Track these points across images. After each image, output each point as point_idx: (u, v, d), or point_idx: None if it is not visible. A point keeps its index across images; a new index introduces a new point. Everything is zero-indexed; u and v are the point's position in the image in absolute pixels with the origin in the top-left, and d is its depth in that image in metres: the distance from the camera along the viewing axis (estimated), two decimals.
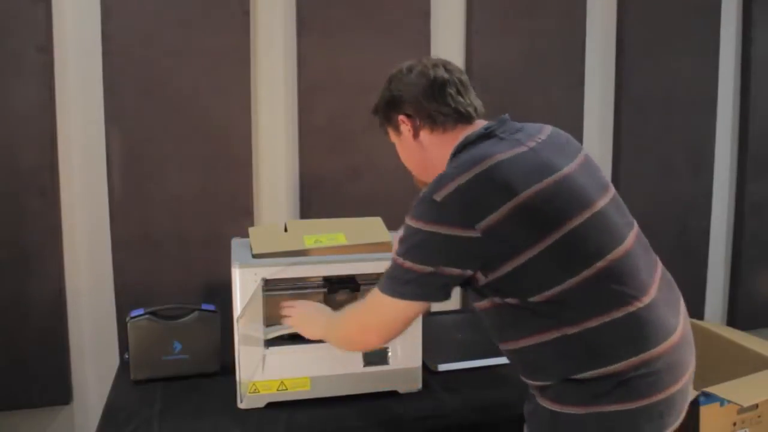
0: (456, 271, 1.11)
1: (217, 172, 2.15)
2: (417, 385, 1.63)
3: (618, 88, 2.59)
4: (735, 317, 2.82)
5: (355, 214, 1.77)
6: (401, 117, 1.29)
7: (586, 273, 1.10)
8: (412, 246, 1.12)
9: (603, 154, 2.62)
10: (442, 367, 1.75)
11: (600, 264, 1.10)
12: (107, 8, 2.01)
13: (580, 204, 1.13)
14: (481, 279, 1.12)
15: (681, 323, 1.19)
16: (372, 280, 1.59)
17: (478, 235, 1.07)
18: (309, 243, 1.58)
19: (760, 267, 2.83)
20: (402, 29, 2.26)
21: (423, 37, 2.29)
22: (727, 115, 2.77)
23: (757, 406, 1.85)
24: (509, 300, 1.13)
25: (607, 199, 1.19)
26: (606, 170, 2.63)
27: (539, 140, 1.21)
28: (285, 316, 1.50)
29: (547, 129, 1.28)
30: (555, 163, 1.15)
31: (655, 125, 2.62)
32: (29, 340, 2.04)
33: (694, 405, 1.78)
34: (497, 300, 1.15)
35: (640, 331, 1.11)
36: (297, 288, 1.58)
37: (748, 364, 2.04)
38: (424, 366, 1.65)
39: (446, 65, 1.30)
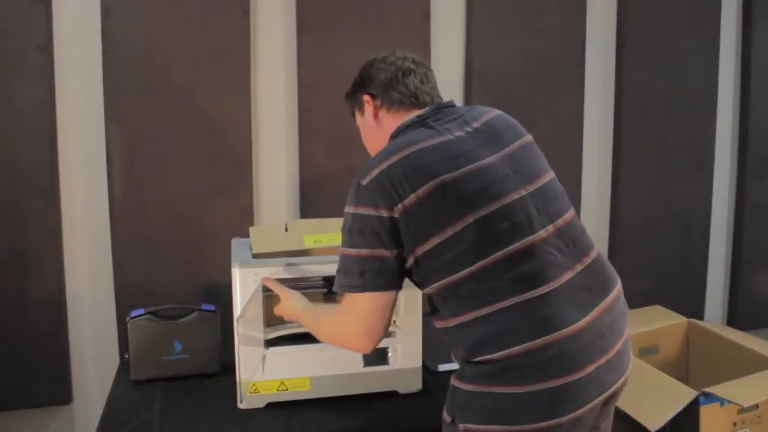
0: (386, 253, 1.19)
1: (217, 172, 2.15)
2: (417, 385, 1.63)
3: (618, 88, 2.59)
4: (735, 317, 2.82)
5: None
6: (366, 97, 1.40)
7: (482, 263, 1.17)
8: (348, 231, 1.21)
9: (603, 154, 2.63)
10: (442, 367, 1.75)
11: (498, 255, 1.18)
12: (107, 8, 2.01)
13: (491, 195, 1.19)
14: (406, 263, 1.21)
15: (588, 319, 1.20)
16: None
17: (397, 216, 1.17)
18: (309, 243, 1.58)
19: (760, 267, 2.83)
20: (402, 29, 2.26)
21: (423, 37, 2.29)
22: (727, 115, 2.77)
23: (757, 406, 1.85)
24: (426, 290, 1.24)
25: (530, 189, 1.24)
26: (606, 170, 2.63)
27: (470, 129, 1.27)
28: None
29: (488, 115, 1.33)
30: (475, 154, 1.22)
31: (655, 125, 2.62)
32: (29, 340, 2.04)
33: (694, 405, 1.78)
34: (422, 288, 1.26)
35: (527, 321, 1.17)
36: (297, 288, 1.57)
37: (748, 364, 2.04)
38: (424, 366, 1.65)
39: (415, 59, 1.41)
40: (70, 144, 2.07)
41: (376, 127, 1.39)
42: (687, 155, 2.69)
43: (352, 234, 1.21)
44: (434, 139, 1.24)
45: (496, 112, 1.36)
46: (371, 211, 1.18)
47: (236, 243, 1.68)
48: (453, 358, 1.28)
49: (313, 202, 2.25)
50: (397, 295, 1.25)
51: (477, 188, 1.19)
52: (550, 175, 1.32)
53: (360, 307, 1.24)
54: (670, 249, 2.71)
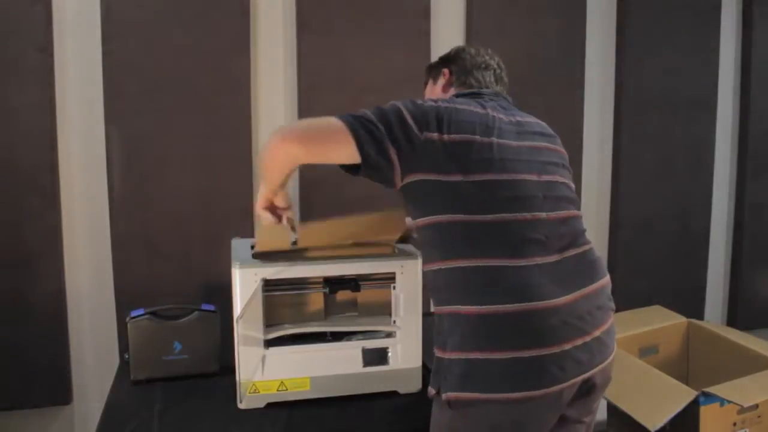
0: (391, 147, 1.26)
1: (217, 172, 2.15)
2: (417, 385, 1.63)
3: (618, 88, 2.59)
4: (735, 317, 2.83)
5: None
6: (446, 70, 1.56)
7: (472, 217, 1.25)
8: (383, 109, 1.30)
9: (603, 154, 2.63)
10: None
11: (489, 217, 1.25)
12: (107, 8, 2.01)
13: (504, 167, 1.29)
14: (398, 181, 1.30)
15: (568, 299, 1.24)
16: (373, 279, 1.60)
17: (421, 139, 1.27)
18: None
19: (760, 267, 2.83)
20: (402, 29, 2.27)
21: (423, 37, 2.29)
22: (727, 115, 2.77)
23: (757, 406, 1.85)
24: (420, 222, 1.32)
25: (542, 178, 1.33)
26: (606, 170, 2.63)
27: (512, 119, 1.38)
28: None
29: (532, 118, 1.45)
30: (506, 135, 1.33)
31: (655, 125, 2.62)
32: (29, 340, 2.05)
33: (694, 405, 1.78)
34: (415, 218, 1.34)
35: (503, 285, 1.23)
36: (297, 288, 1.58)
37: (748, 364, 2.04)
38: (424, 366, 1.65)
39: (500, 62, 1.59)
40: (70, 144, 2.07)
41: (441, 97, 1.52)
42: (687, 155, 2.69)
43: (387, 112, 1.28)
44: (481, 109, 1.35)
45: (541, 121, 1.47)
46: (409, 119, 1.28)
47: (236, 243, 1.68)
48: (431, 305, 1.33)
49: (313, 202, 2.25)
50: (351, 163, 1.27)
51: (494, 157, 1.28)
52: (565, 180, 1.39)
53: (333, 132, 1.25)
54: (670, 249, 2.71)
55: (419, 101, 1.32)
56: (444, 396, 1.24)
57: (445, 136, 1.27)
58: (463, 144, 1.27)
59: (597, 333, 1.28)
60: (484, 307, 1.22)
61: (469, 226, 1.25)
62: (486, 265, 1.23)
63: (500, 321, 1.21)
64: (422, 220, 1.30)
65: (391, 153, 1.26)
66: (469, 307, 1.23)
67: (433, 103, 1.32)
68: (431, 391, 1.29)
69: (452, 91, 1.53)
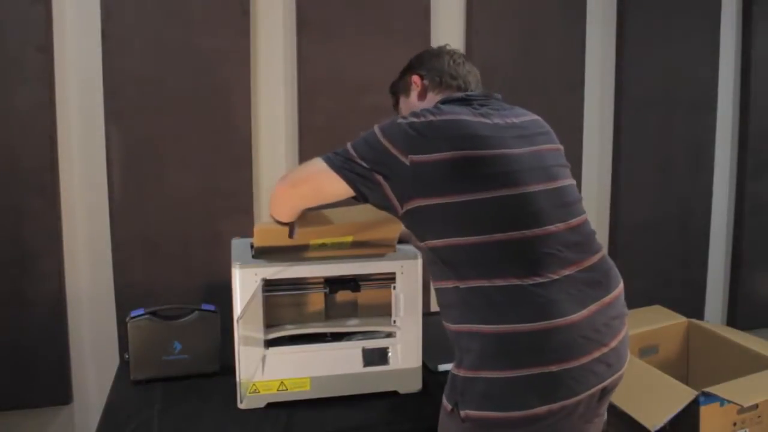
0: (380, 179, 1.24)
1: (217, 172, 2.15)
2: (417, 385, 1.63)
3: (618, 88, 2.59)
4: (735, 317, 2.83)
5: None
6: (415, 77, 1.46)
7: (484, 237, 1.21)
8: (363, 140, 1.27)
9: (603, 154, 2.63)
10: (442, 368, 1.75)
11: (500, 236, 1.21)
12: (107, 8, 2.01)
13: (509, 181, 1.23)
14: (399, 209, 1.26)
15: (585, 313, 1.23)
16: (373, 280, 1.60)
17: (407, 163, 1.22)
18: (314, 245, 1.57)
19: (760, 267, 2.83)
20: (402, 29, 2.27)
21: (423, 37, 2.29)
22: (727, 115, 2.77)
23: (757, 406, 1.85)
24: (427, 245, 1.28)
25: (548, 186, 1.29)
26: (606, 170, 2.64)
27: (509, 121, 1.32)
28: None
29: (528, 117, 1.39)
30: (506, 142, 1.27)
31: (655, 125, 2.63)
32: (29, 340, 2.05)
33: (694, 405, 1.78)
34: (422, 241, 1.30)
35: (522, 304, 1.20)
36: (297, 288, 1.58)
37: (748, 364, 2.05)
38: (424, 366, 1.65)
39: (463, 55, 1.50)
40: (70, 144, 2.07)
41: (419, 107, 1.41)
42: (687, 155, 2.69)
43: (366, 144, 1.25)
44: (474, 117, 1.28)
45: (536, 116, 1.41)
46: (389, 146, 1.23)
47: (236, 243, 1.68)
48: (443, 322, 1.30)
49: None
50: (343, 193, 1.27)
51: (498, 172, 1.23)
52: (570, 181, 1.37)
53: (315, 173, 1.27)
54: (670, 249, 2.71)
55: (400, 120, 1.26)
56: (463, 414, 1.22)
57: (436, 156, 1.21)
58: (459, 161, 1.21)
59: (613, 344, 1.27)
60: (501, 326, 1.20)
61: (479, 247, 1.21)
62: (502, 285, 1.20)
63: (518, 340, 1.19)
64: (430, 243, 1.26)
65: (381, 184, 1.23)
66: (486, 326, 1.21)
67: (415, 119, 1.25)
68: (447, 406, 1.27)
69: (430, 96, 1.44)
